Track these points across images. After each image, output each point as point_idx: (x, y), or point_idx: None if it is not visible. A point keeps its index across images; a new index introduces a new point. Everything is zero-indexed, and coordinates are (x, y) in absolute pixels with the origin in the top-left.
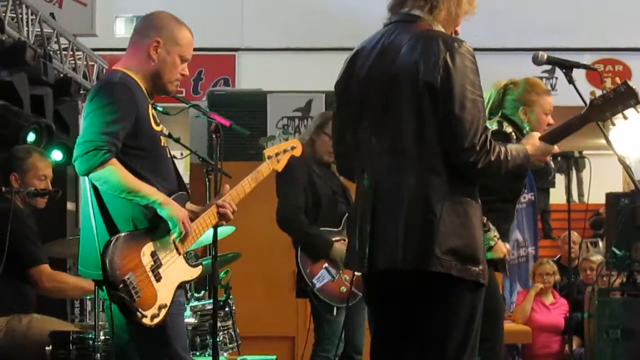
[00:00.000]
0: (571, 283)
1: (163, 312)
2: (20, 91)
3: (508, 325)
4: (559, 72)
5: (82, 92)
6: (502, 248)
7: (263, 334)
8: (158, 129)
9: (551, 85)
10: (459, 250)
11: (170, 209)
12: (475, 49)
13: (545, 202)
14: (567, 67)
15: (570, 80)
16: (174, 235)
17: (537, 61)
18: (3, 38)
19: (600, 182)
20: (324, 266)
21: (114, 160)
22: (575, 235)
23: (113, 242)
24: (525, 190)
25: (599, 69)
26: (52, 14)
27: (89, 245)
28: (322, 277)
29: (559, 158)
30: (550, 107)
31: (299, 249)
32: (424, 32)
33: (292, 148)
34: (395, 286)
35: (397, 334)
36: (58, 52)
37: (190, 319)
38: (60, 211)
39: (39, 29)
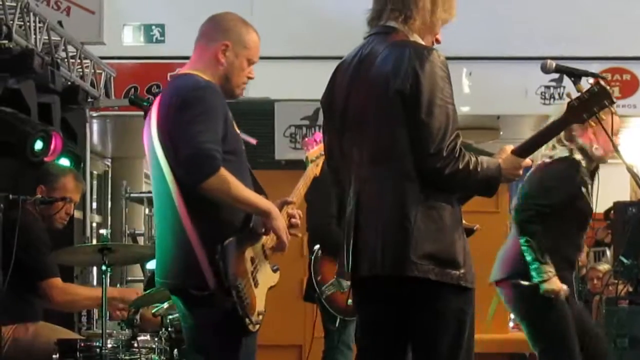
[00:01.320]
0: (579, 292)
1: (261, 318)
2: (28, 99)
3: (515, 334)
4: (566, 82)
5: (89, 100)
6: (555, 284)
7: (270, 343)
8: (238, 131)
9: (559, 94)
10: (436, 254)
11: (279, 221)
12: (482, 58)
13: None
14: (576, 76)
15: (579, 89)
16: (264, 240)
17: (545, 69)
18: (11, 46)
19: (607, 191)
20: (335, 276)
21: (223, 169)
22: None
23: (223, 248)
24: None
25: (607, 78)
26: (60, 22)
27: (176, 255)
28: (331, 286)
29: None
30: (618, 127)
31: (315, 254)
32: (397, 43)
33: None
34: (380, 293)
35: (385, 341)
36: (66, 60)
37: None
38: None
39: (47, 37)
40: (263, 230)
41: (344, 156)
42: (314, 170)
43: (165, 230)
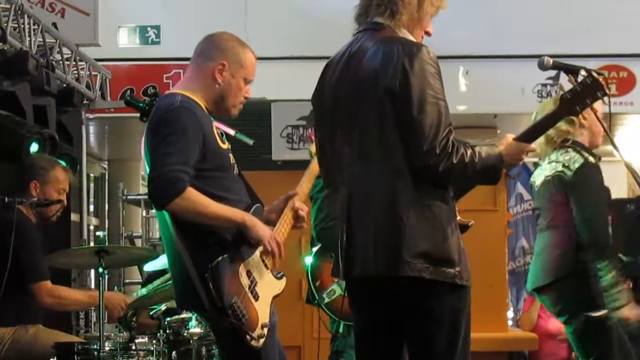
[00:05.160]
0: None
1: (266, 330)
2: (23, 101)
3: (515, 332)
4: (563, 79)
5: (85, 102)
6: (629, 312)
7: None
8: (225, 146)
9: (555, 92)
10: (430, 252)
11: (257, 230)
12: (478, 56)
13: None
14: (573, 72)
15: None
16: (261, 251)
17: (542, 66)
18: (5, 48)
19: None
20: (335, 280)
21: (190, 189)
22: None
23: (213, 268)
24: (532, 198)
25: (605, 75)
26: (54, 24)
27: (177, 276)
28: (332, 291)
29: None
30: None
31: (313, 257)
32: (385, 39)
33: None
34: (374, 293)
35: (382, 341)
36: (61, 62)
37: (196, 329)
38: (64, 222)
39: (42, 39)
40: (254, 242)
41: (335, 155)
42: (317, 165)
43: (167, 253)
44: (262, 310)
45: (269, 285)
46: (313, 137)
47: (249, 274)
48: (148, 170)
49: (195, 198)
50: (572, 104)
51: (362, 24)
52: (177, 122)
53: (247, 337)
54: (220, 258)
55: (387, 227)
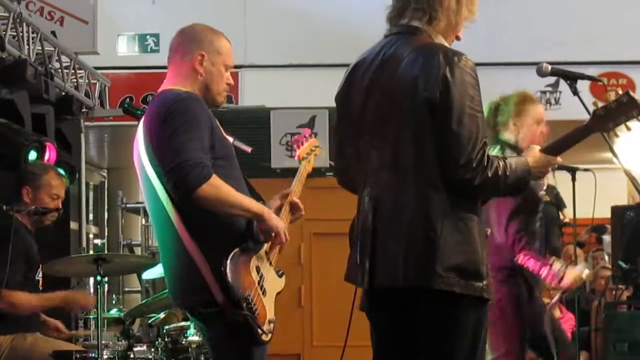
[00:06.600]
0: (583, 297)
1: (272, 326)
2: (22, 109)
3: None
4: (562, 86)
5: (83, 110)
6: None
7: (268, 352)
8: (230, 138)
9: (555, 99)
10: (462, 266)
11: (273, 221)
12: (478, 64)
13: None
14: (572, 79)
15: (575, 92)
16: (266, 247)
17: (541, 72)
18: (4, 56)
19: (604, 196)
20: None
21: (215, 176)
22: (579, 250)
23: (228, 262)
24: None
25: (604, 81)
26: (53, 32)
27: (181, 275)
28: None
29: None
30: (540, 116)
31: None
32: (424, 46)
33: (316, 147)
34: (398, 303)
35: (400, 350)
36: (59, 70)
37: (194, 337)
38: (63, 230)
39: (40, 47)
40: (263, 237)
41: (359, 157)
42: (307, 168)
43: (167, 250)
44: (269, 306)
45: (273, 282)
46: (302, 139)
47: (257, 269)
48: (150, 165)
49: (220, 185)
50: (605, 121)
51: (395, 26)
52: (188, 111)
53: (259, 330)
54: (234, 251)
55: (419, 239)
